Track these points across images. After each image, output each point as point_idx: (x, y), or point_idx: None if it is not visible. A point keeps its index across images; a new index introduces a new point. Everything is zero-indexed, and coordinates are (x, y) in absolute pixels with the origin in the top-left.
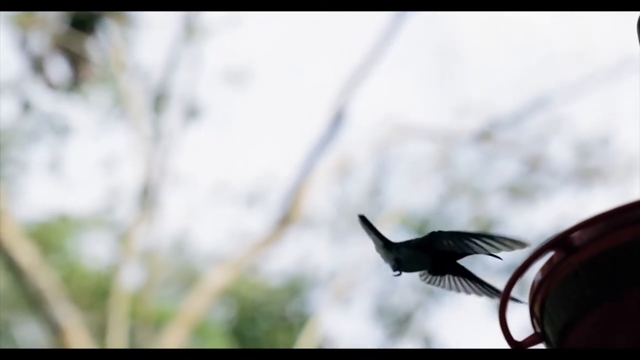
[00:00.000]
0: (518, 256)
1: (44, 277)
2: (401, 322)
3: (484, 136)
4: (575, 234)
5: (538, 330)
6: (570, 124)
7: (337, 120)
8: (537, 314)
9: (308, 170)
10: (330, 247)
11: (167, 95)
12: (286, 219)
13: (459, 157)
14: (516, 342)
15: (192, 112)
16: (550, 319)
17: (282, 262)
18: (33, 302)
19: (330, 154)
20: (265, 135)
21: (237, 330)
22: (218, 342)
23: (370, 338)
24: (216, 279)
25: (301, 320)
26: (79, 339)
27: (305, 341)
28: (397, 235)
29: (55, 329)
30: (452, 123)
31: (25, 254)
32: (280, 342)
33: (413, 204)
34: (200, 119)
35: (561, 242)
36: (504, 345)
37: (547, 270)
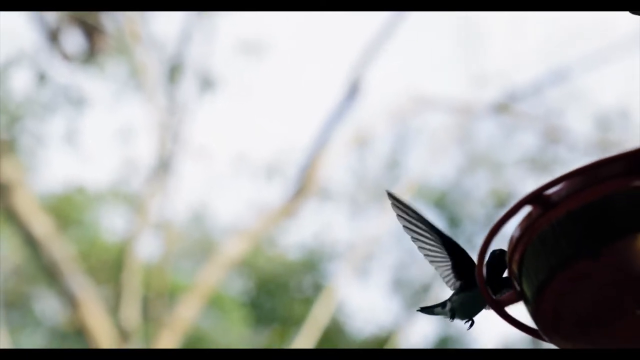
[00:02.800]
0: (497, 213)
1: (60, 249)
2: (419, 293)
3: (502, 108)
4: (553, 190)
5: (517, 288)
6: (589, 96)
7: (353, 91)
8: (515, 271)
9: (325, 141)
10: (348, 219)
11: (182, 67)
12: (303, 191)
13: (478, 130)
14: (495, 300)
15: (207, 83)
16: (527, 276)
17: (300, 235)
18: (49, 274)
19: (348, 126)
20: (282, 107)
21: (254, 302)
22: (235, 314)
23: (387, 310)
24: (232, 250)
25: (318, 293)
26: (94, 311)
27: (319, 312)
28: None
29: (71, 301)
30: (471, 95)
31: (41, 226)
32: (297, 314)
33: (431, 176)
34: (216, 91)
35: (538, 198)
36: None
37: (524, 226)
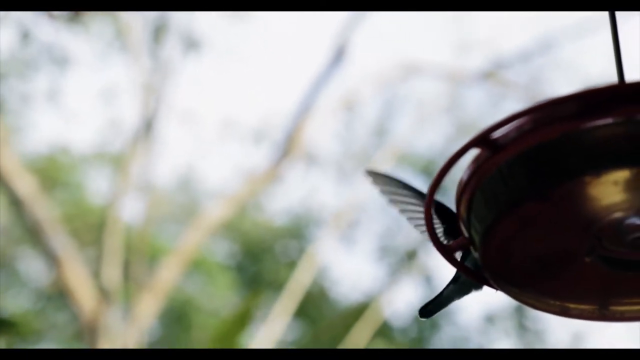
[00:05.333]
0: (444, 155)
1: (42, 208)
2: (404, 260)
3: (489, 76)
4: (501, 131)
5: (465, 234)
6: (576, 65)
7: (340, 56)
8: (464, 216)
9: (311, 106)
10: (335, 186)
11: (167, 27)
12: (288, 156)
13: (465, 97)
14: (444, 245)
15: (192, 45)
16: (476, 220)
17: (286, 200)
18: (32, 234)
19: (334, 91)
20: (269, 70)
21: (239, 266)
22: (220, 278)
23: (372, 276)
24: (216, 214)
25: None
26: (77, 272)
27: (301, 277)
28: (397, 172)
29: (53, 262)
30: (458, 62)
31: (24, 186)
32: (282, 279)
33: (418, 143)
34: (202, 53)
35: (485, 140)
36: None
37: (472, 169)
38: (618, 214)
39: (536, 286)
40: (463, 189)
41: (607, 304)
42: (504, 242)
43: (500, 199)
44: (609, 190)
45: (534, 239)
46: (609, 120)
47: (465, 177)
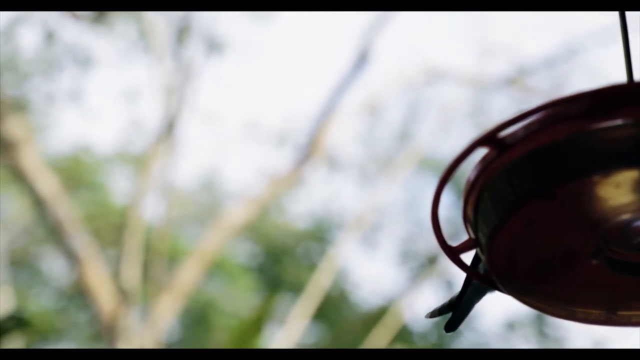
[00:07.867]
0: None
1: (65, 208)
2: (424, 265)
3: (513, 82)
4: (510, 130)
5: (472, 235)
6: (601, 71)
7: (362, 59)
8: (470, 217)
9: (334, 109)
10: (357, 189)
11: (190, 28)
12: (310, 158)
13: (488, 102)
14: (450, 247)
15: (215, 46)
16: (482, 220)
17: (308, 203)
18: (54, 234)
19: (356, 94)
20: (292, 72)
21: (260, 268)
22: (242, 280)
23: (393, 281)
24: (236, 214)
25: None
26: (97, 271)
27: (320, 279)
28: (420, 177)
29: (74, 261)
30: (481, 67)
31: (47, 185)
32: (303, 281)
33: (440, 147)
34: (225, 54)
35: (492, 139)
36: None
37: (479, 169)
38: (626, 216)
39: (542, 288)
40: (470, 189)
41: (614, 308)
42: (510, 244)
43: (507, 199)
44: (617, 191)
45: (540, 240)
46: (618, 120)
47: (472, 177)
